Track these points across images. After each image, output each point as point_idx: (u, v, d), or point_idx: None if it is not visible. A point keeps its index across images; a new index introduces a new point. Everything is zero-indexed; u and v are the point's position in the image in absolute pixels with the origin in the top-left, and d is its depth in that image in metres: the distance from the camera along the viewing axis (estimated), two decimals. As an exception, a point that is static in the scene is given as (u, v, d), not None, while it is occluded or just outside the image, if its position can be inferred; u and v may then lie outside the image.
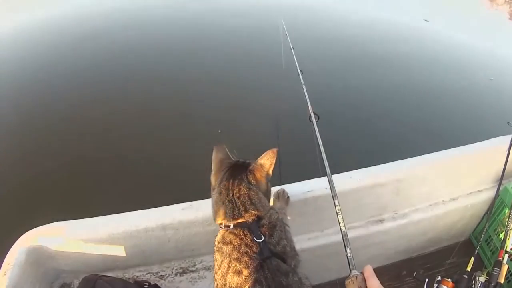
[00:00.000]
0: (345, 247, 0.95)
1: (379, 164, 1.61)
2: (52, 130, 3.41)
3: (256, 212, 0.94)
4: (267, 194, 1.03)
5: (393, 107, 4.19)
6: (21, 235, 1.28)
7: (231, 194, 0.95)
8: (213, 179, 1.04)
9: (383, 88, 4.50)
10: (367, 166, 1.62)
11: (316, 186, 1.43)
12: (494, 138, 1.78)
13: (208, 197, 1.08)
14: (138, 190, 2.77)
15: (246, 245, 0.90)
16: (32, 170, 2.97)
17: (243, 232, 0.92)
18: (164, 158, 3.11)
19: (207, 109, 3.78)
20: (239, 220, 0.93)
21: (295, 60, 2.03)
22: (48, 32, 5.58)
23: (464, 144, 1.72)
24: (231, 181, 0.97)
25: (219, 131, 3.36)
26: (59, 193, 2.75)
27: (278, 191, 1.38)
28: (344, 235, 0.99)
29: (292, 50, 2.17)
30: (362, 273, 0.80)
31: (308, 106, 1.59)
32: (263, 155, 1.01)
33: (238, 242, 0.91)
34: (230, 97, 4.00)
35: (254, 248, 0.89)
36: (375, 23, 6.89)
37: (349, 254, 0.93)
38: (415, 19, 7.39)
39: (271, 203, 1.10)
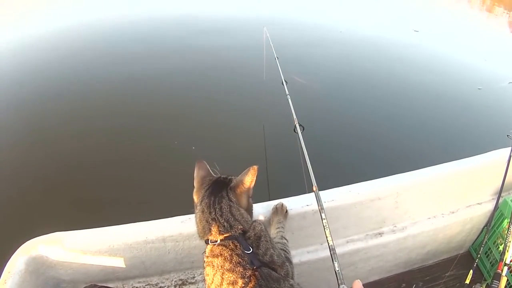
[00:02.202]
0: (333, 261, 0.96)
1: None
2: (52, 141, 3.42)
3: (241, 227, 0.94)
4: (249, 210, 1.03)
5: (386, 117, 4.11)
6: (21, 244, 1.29)
7: (214, 213, 0.95)
8: (195, 196, 1.04)
9: (374, 100, 4.42)
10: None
11: (315, 200, 1.44)
12: (493, 151, 1.77)
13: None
14: (138, 202, 2.76)
15: (238, 255, 0.89)
16: (33, 180, 2.97)
17: (232, 243, 0.92)
18: (164, 171, 3.09)
19: (192, 124, 3.74)
20: (226, 235, 0.93)
21: (280, 70, 2.03)
22: (43, 43, 5.65)
23: (462, 157, 1.72)
24: (212, 199, 0.97)
25: (193, 147, 3.32)
26: (60, 204, 2.75)
27: (276, 205, 1.37)
28: (331, 249, 0.99)
29: (277, 60, 2.15)
30: None
31: (293, 117, 1.59)
32: (244, 172, 1.00)
33: (229, 252, 0.90)
34: (213, 111, 3.97)
35: (246, 258, 0.89)
36: (364, 34, 6.81)
37: (337, 269, 0.94)
38: (405, 29, 7.33)
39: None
